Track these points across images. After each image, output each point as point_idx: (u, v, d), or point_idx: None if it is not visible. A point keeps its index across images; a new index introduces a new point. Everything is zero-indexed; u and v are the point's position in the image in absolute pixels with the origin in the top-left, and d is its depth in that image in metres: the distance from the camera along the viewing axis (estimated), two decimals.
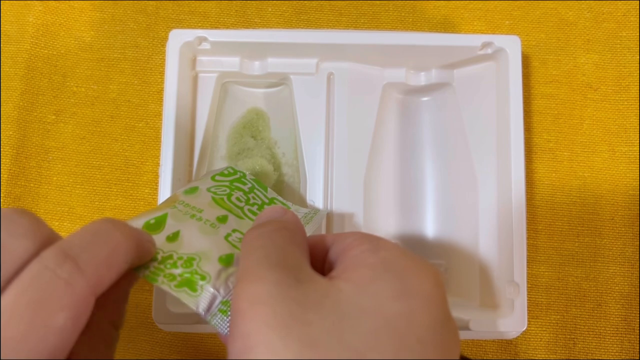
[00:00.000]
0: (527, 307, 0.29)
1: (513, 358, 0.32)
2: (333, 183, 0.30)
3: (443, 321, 0.17)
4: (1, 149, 0.33)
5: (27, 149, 0.34)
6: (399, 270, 0.18)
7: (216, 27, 0.34)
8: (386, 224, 0.32)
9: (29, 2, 0.35)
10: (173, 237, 0.20)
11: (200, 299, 0.19)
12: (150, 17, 0.35)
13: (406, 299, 0.17)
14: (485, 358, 0.32)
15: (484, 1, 0.35)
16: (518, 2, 0.35)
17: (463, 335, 0.29)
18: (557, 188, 0.33)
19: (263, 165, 0.31)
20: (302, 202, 0.31)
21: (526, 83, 0.34)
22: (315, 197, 0.30)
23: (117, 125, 0.34)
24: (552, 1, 0.35)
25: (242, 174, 0.28)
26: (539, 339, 0.32)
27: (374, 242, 0.19)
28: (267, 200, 0.26)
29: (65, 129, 0.34)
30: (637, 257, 0.33)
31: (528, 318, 0.30)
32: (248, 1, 0.35)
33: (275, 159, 0.32)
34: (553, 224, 0.33)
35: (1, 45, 0.35)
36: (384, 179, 0.32)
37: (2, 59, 0.35)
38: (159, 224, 0.21)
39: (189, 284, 0.19)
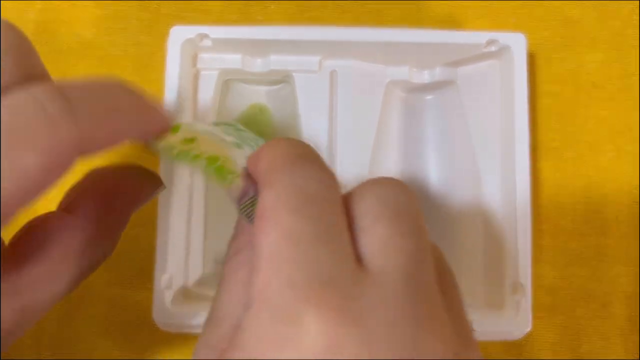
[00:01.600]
0: (532, 308, 0.29)
1: (517, 359, 0.32)
2: None
3: None
4: None
5: None
6: None
7: (218, 24, 0.34)
8: None
9: (29, 0, 0.35)
10: (190, 140, 0.19)
11: (232, 187, 0.18)
12: (151, 14, 0.35)
13: None
14: (488, 359, 0.32)
15: (488, 0, 0.35)
16: (522, 0, 0.35)
17: None
18: (561, 187, 0.33)
19: None
20: None
21: (531, 81, 0.34)
22: None
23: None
24: (556, 0, 0.35)
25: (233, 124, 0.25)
26: (544, 340, 0.32)
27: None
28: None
29: None
30: None
31: (532, 319, 0.29)
32: (250, 0, 0.35)
33: None
34: (557, 224, 0.33)
35: None
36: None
37: None
38: (174, 128, 0.20)
39: (219, 172, 0.18)
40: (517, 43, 0.30)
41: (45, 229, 0.18)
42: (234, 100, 0.33)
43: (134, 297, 0.32)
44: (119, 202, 0.20)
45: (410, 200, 0.17)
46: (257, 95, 0.33)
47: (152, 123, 0.18)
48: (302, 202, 0.15)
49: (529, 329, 0.28)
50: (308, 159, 0.17)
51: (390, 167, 0.33)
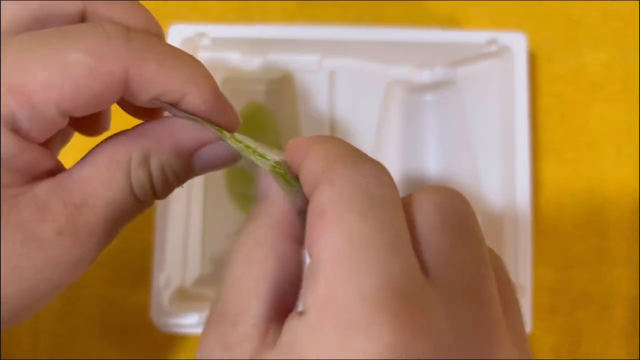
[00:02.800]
0: (532, 310, 0.29)
1: None
2: None
3: None
4: None
5: None
6: None
7: (217, 23, 0.34)
8: None
9: None
10: (240, 141, 0.19)
11: (299, 196, 0.16)
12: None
13: None
14: None
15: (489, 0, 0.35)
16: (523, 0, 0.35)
17: None
18: (562, 189, 0.33)
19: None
20: None
21: (531, 81, 0.33)
22: None
23: (116, 123, 0.33)
24: (558, 0, 0.35)
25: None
26: (544, 342, 0.32)
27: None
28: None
29: None
30: None
31: (532, 320, 0.29)
32: (250, 0, 0.35)
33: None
34: (558, 226, 0.33)
35: None
36: None
37: None
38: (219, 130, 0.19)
39: (285, 178, 0.17)
40: (517, 43, 0.30)
41: None
42: (232, 99, 0.33)
43: (131, 298, 0.32)
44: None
45: (469, 210, 0.16)
46: (255, 94, 0.33)
47: (210, 103, 0.18)
48: (369, 204, 0.14)
49: (528, 330, 0.28)
50: (362, 156, 0.16)
51: (390, 166, 0.32)
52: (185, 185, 0.30)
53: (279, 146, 0.32)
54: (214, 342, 0.15)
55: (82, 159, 0.18)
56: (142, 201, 0.18)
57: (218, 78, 0.32)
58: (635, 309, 0.32)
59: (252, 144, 0.19)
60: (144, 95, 0.17)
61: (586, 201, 0.33)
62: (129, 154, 0.17)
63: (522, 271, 0.28)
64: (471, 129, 0.31)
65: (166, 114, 0.19)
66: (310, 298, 0.13)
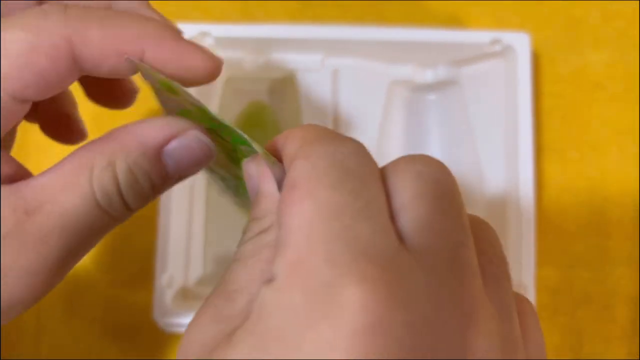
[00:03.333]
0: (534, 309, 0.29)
1: None
2: None
3: None
4: None
5: (27, 146, 0.33)
6: None
7: (220, 23, 0.34)
8: None
9: None
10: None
11: (275, 169, 0.16)
12: None
13: None
14: None
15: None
16: (526, 0, 0.35)
17: None
18: (565, 188, 0.33)
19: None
20: None
21: (534, 81, 0.33)
22: None
23: (118, 122, 0.33)
24: (560, 0, 0.35)
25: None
26: (547, 342, 0.32)
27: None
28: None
29: None
30: None
31: None
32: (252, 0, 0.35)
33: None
34: (561, 225, 0.33)
35: None
36: None
37: None
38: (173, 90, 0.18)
39: (267, 154, 0.16)
40: (520, 43, 0.30)
41: None
42: (235, 98, 0.33)
43: (133, 298, 0.32)
44: None
45: (449, 178, 0.16)
46: (258, 94, 0.33)
47: (174, 52, 0.17)
48: (343, 176, 0.14)
49: None
50: (344, 138, 0.15)
51: None
52: (187, 184, 0.30)
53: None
54: (207, 315, 0.15)
55: (51, 167, 0.17)
56: (108, 211, 0.17)
57: (221, 77, 0.32)
58: (637, 309, 0.32)
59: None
60: (99, 62, 0.16)
61: (588, 201, 0.33)
62: (92, 159, 0.17)
63: (525, 271, 0.28)
64: (474, 128, 0.31)
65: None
66: (279, 264, 0.13)
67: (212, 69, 0.18)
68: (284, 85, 0.33)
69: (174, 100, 0.18)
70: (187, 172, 0.18)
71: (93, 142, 0.17)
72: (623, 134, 0.33)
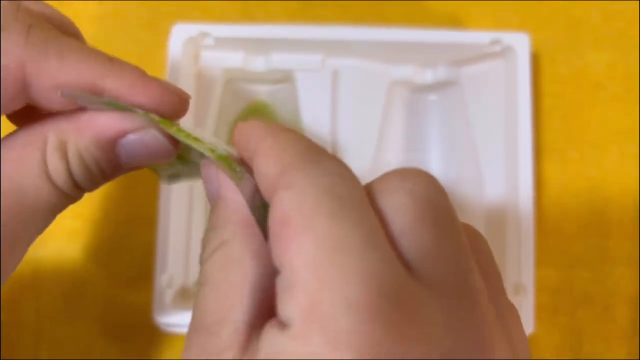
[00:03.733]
0: (534, 309, 0.29)
1: None
2: None
3: None
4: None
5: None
6: None
7: (220, 23, 0.34)
8: None
9: None
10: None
11: (244, 182, 0.15)
12: (153, 12, 0.35)
13: None
14: None
15: (491, 0, 0.35)
16: (526, 0, 0.35)
17: None
18: (564, 189, 0.33)
19: None
20: None
21: (534, 81, 0.34)
22: None
23: None
24: (560, 0, 0.35)
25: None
26: (546, 342, 0.32)
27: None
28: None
29: None
30: None
31: (534, 320, 0.29)
32: (253, 0, 0.35)
33: None
34: (560, 225, 0.33)
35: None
36: None
37: None
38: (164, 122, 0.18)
39: (224, 160, 0.16)
40: (520, 43, 0.30)
41: None
42: (235, 99, 0.33)
43: (133, 298, 0.32)
44: None
45: (443, 196, 0.15)
46: (259, 94, 0.33)
47: (136, 87, 0.16)
48: (336, 204, 0.13)
49: (531, 330, 0.28)
50: (320, 153, 0.14)
51: (392, 165, 0.32)
52: (188, 184, 0.30)
53: None
54: (195, 355, 0.14)
55: (5, 137, 0.17)
56: (62, 189, 0.17)
57: (221, 78, 0.32)
58: (637, 309, 0.32)
59: (199, 134, 0.17)
60: (48, 95, 0.16)
61: (588, 201, 0.33)
62: (45, 136, 0.16)
63: (525, 271, 0.28)
64: (474, 128, 0.31)
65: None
66: (291, 309, 0.12)
67: (177, 104, 0.17)
68: (284, 85, 0.33)
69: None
70: (141, 164, 0.18)
71: (44, 117, 0.17)
72: (623, 134, 0.33)
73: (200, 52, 0.31)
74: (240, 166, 0.16)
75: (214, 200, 0.16)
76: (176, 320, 0.28)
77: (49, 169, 0.16)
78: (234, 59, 0.31)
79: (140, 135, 0.17)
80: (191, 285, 0.29)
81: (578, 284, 0.32)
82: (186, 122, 0.29)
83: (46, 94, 0.16)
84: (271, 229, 0.13)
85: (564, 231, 0.33)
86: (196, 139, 0.16)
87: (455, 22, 0.35)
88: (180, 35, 0.29)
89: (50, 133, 0.16)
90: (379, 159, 0.31)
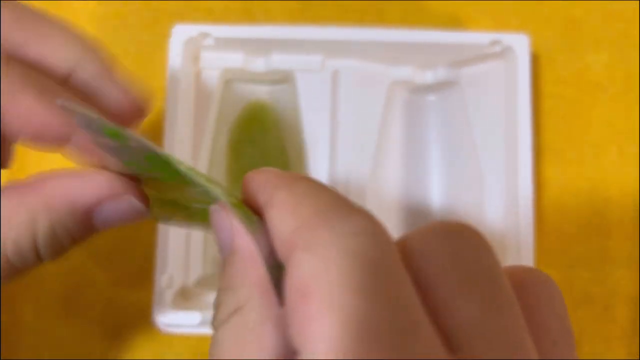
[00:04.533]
0: None
1: None
2: (337, 182, 0.30)
3: None
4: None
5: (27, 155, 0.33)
6: None
7: (220, 23, 0.34)
8: (391, 225, 0.32)
9: None
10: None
11: (261, 236, 0.13)
12: (153, 13, 0.35)
13: None
14: None
15: (491, 0, 0.35)
16: (526, 0, 0.35)
17: None
18: (564, 189, 0.33)
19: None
20: None
21: (534, 82, 0.34)
22: None
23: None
24: (560, 0, 0.35)
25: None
26: None
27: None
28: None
29: None
30: None
31: None
32: (253, 0, 0.35)
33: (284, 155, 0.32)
34: (560, 226, 0.33)
35: None
36: (389, 178, 0.32)
37: None
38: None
39: (240, 207, 0.14)
40: (520, 44, 0.30)
41: None
42: (235, 99, 0.33)
43: (133, 298, 0.32)
44: None
45: (491, 257, 0.13)
46: (259, 94, 0.33)
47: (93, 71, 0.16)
48: (365, 271, 0.11)
49: None
50: (346, 206, 0.12)
51: (392, 167, 0.32)
52: None
53: (282, 146, 0.32)
54: None
55: None
56: (15, 265, 0.16)
57: (221, 78, 0.32)
58: (637, 309, 0.32)
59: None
60: (19, 133, 0.15)
61: (588, 202, 0.33)
62: (11, 211, 0.15)
63: None
64: (473, 129, 0.31)
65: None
66: None
67: (137, 109, 0.17)
68: (284, 85, 0.33)
69: (118, 148, 0.16)
70: (113, 227, 0.17)
71: (16, 188, 0.16)
72: (623, 135, 0.33)
73: (200, 52, 0.31)
74: (257, 217, 0.14)
75: (226, 252, 0.14)
76: (176, 320, 0.28)
77: (8, 250, 0.16)
78: (234, 60, 0.31)
79: (117, 203, 0.16)
80: (191, 285, 0.29)
81: (578, 284, 0.32)
82: (186, 122, 0.29)
83: (17, 133, 0.15)
84: (288, 298, 0.11)
85: (564, 231, 0.33)
86: (209, 180, 0.14)
87: (455, 23, 0.35)
88: (180, 36, 0.29)
89: (17, 209, 0.15)
90: (379, 159, 0.31)
